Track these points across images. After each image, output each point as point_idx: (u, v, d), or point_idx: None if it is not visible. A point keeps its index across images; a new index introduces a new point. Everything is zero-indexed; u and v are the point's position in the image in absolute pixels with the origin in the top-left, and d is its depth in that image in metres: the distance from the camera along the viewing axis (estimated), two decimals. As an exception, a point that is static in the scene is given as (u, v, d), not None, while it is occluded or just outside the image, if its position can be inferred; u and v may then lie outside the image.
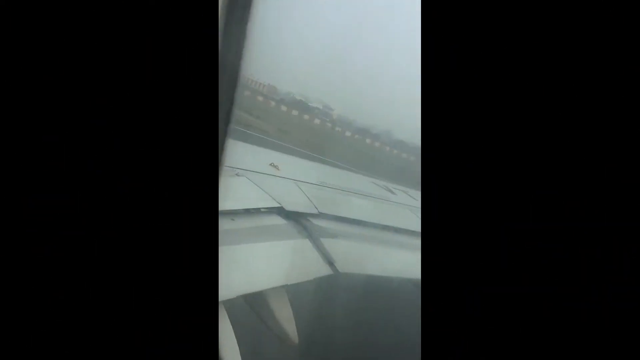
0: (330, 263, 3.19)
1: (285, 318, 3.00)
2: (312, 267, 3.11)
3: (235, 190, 3.43)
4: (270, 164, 4.38)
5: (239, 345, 2.28)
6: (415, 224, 4.76)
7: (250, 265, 2.83)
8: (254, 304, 2.97)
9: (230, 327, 2.28)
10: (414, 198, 5.91)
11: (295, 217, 3.53)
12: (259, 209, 3.37)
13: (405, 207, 5.28)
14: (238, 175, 3.69)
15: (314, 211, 3.79)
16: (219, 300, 2.03)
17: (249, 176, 3.72)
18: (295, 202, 3.79)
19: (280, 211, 3.49)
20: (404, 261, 4.04)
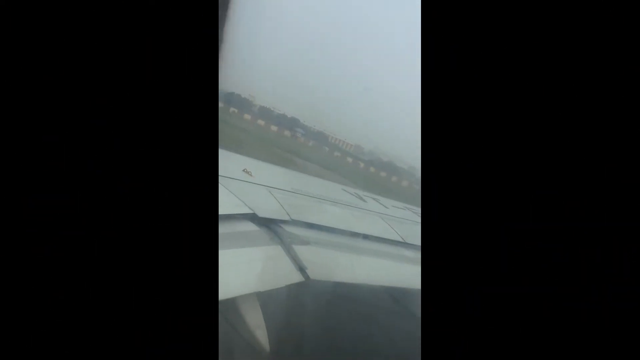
0: (302, 270, 3.17)
1: (257, 325, 2.97)
2: (283, 274, 3.09)
3: None
4: (243, 170, 4.34)
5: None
6: (386, 231, 4.79)
7: (222, 271, 2.77)
8: (226, 310, 2.92)
9: None
10: (384, 206, 5.96)
11: (267, 224, 3.50)
12: (232, 215, 3.33)
13: (375, 215, 5.31)
14: None
15: (286, 218, 3.77)
16: None
17: (222, 182, 3.67)
18: (268, 208, 3.76)
19: (252, 217, 3.46)
20: (375, 268, 4.06)
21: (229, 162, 4.49)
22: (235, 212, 3.38)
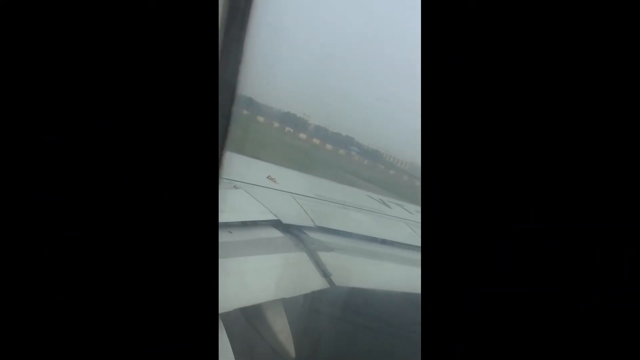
0: (326, 276, 3.18)
1: (282, 331, 3.00)
2: (308, 280, 3.11)
3: (233, 203, 3.43)
4: (267, 177, 4.39)
5: (235, 358, 2.27)
6: (411, 237, 4.77)
7: (247, 278, 2.82)
8: (251, 316, 2.95)
9: (227, 339, 2.26)
10: (409, 211, 5.93)
11: (291, 230, 3.53)
12: (256, 221, 3.37)
13: (400, 221, 5.29)
14: (236, 188, 3.69)
15: (311, 224, 3.79)
16: None
17: (246, 188, 3.73)
18: (292, 214, 3.79)
19: (277, 224, 3.50)
20: (400, 275, 4.04)
21: (252, 169, 4.55)
22: (259, 219, 3.43)
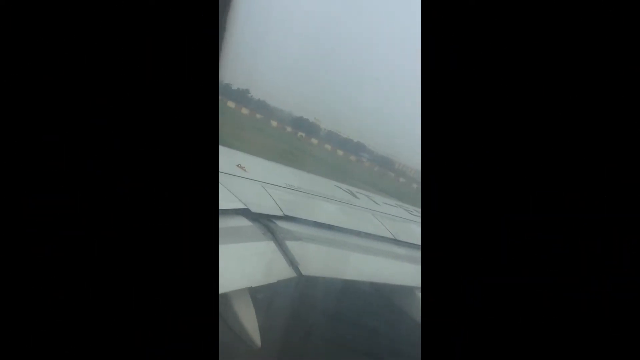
0: (294, 265, 3.19)
1: (248, 320, 2.99)
2: (276, 269, 3.11)
3: None
4: (237, 165, 4.35)
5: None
6: (378, 228, 4.82)
7: None
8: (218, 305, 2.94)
9: None
10: (376, 202, 5.98)
11: (260, 219, 3.52)
12: (225, 210, 3.34)
13: (367, 211, 5.34)
14: None
15: (280, 213, 3.79)
16: None
17: None
18: (261, 204, 3.78)
19: (246, 213, 3.47)
20: (366, 265, 4.09)
21: (223, 158, 4.49)
22: (228, 207, 3.40)
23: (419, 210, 6.75)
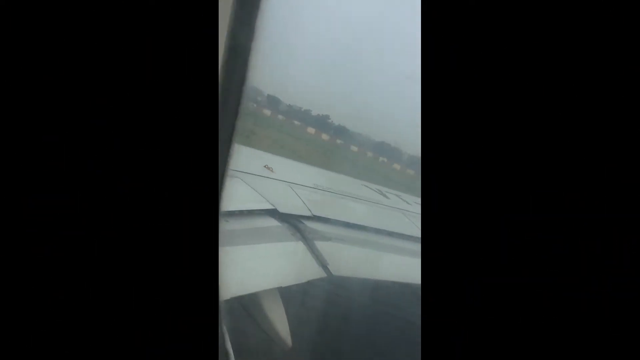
0: (324, 266, 3.18)
1: (279, 320, 3.00)
2: (305, 270, 3.11)
3: (229, 192, 3.40)
4: (265, 166, 4.37)
5: (232, 348, 2.26)
6: (409, 227, 4.77)
7: (244, 267, 2.81)
8: (248, 305, 2.95)
9: (225, 328, 2.25)
10: (406, 202, 5.92)
11: (289, 220, 3.52)
12: (253, 210, 3.36)
13: (398, 211, 5.29)
14: (232, 177, 3.66)
15: (308, 214, 3.78)
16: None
17: (243, 178, 3.71)
18: (289, 204, 3.78)
19: (274, 213, 3.48)
20: (398, 264, 4.05)
21: (249, 159, 4.52)
22: (256, 208, 3.41)
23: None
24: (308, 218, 3.72)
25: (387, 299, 4.90)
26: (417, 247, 4.41)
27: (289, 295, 3.18)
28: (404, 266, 4.10)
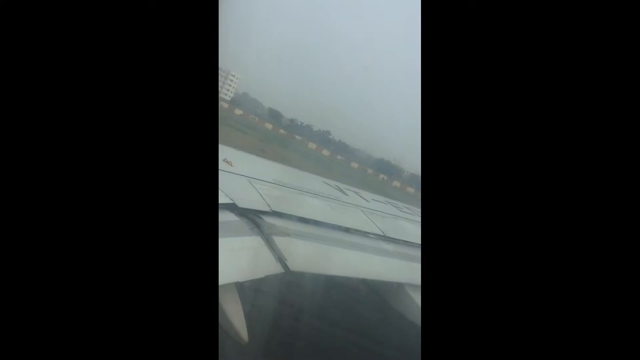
0: (281, 261, 3.17)
1: (236, 315, 2.97)
2: (263, 265, 3.09)
3: None
4: (224, 160, 4.32)
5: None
6: (367, 224, 4.82)
7: None
8: None
9: None
10: (365, 199, 5.98)
11: (247, 214, 3.49)
12: None
13: (357, 208, 5.33)
14: None
15: (267, 209, 3.76)
16: None
17: None
18: (248, 199, 3.75)
19: (232, 207, 3.45)
20: (355, 260, 4.08)
21: None
22: None
23: (409, 207, 6.77)
24: (266, 213, 3.70)
25: (343, 294, 4.95)
26: (374, 244, 4.47)
27: (246, 290, 3.17)
28: (361, 262, 4.13)
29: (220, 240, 3.03)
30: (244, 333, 2.99)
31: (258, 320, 3.61)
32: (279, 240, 3.35)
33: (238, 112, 60.58)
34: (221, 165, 4.19)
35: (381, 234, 4.70)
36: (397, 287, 4.03)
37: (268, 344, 3.98)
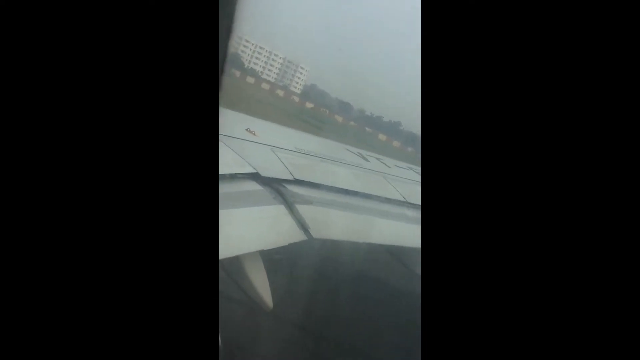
0: (304, 229, 3.20)
1: (260, 282, 3.03)
2: (286, 233, 3.13)
3: None
4: (247, 129, 4.33)
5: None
6: (388, 191, 4.82)
7: (226, 230, 2.82)
8: (229, 268, 2.98)
9: None
10: (387, 165, 5.96)
11: (270, 183, 3.52)
12: (235, 174, 3.35)
13: (378, 174, 5.32)
14: None
15: (290, 177, 3.78)
16: None
17: (225, 141, 3.67)
18: (271, 168, 3.77)
19: (255, 177, 3.48)
20: (379, 227, 4.10)
21: (232, 122, 4.47)
22: (238, 172, 3.40)
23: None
24: (290, 182, 3.72)
25: (365, 261, 4.98)
26: (396, 210, 4.47)
27: (270, 257, 3.21)
28: (384, 229, 4.15)
29: (243, 209, 3.08)
30: (268, 299, 3.06)
31: (283, 288, 3.67)
32: (302, 209, 3.38)
33: (309, 105, 60.46)
34: (244, 135, 4.21)
35: (403, 199, 4.69)
36: (419, 253, 4.05)
37: (293, 311, 4.06)
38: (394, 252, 4.49)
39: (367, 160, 5.80)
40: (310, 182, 3.93)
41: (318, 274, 4.80)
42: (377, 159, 6.15)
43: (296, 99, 61.82)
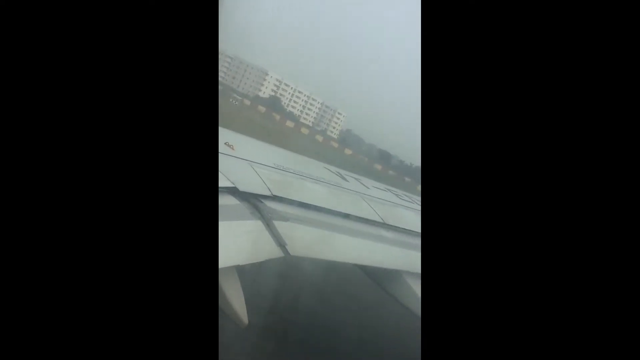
0: (282, 245, 3.18)
1: (235, 298, 2.99)
2: (263, 249, 3.10)
3: None
4: (225, 143, 4.30)
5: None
6: (366, 211, 4.82)
7: None
8: None
9: None
10: (365, 186, 5.98)
11: (248, 198, 3.49)
12: None
13: (357, 194, 5.34)
14: None
15: (268, 193, 3.77)
16: None
17: None
18: (249, 183, 3.75)
19: (233, 191, 3.45)
20: (353, 247, 4.10)
21: None
22: None
23: (408, 194, 6.77)
24: (267, 197, 3.71)
25: (342, 280, 4.97)
26: (373, 231, 4.48)
27: (247, 273, 3.18)
28: (360, 249, 4.15)
29: (221, 223, 3.05)
30: (244, 316, 3.01)
31: (258, 303, 3.64)
32: (279, 225, 3.36)
33: (348, 152, 60.68)
34: (223, 148, 4.18)
35: (381, 220, 4.71)
36: (395, 275, 4.05)
37: (268, 327, 4.00)
38: (370, 272, 4.48)
39: (345, 179, 5.81)
40: (288, 198, 3.92)
41: (294, 290, 4.76)
42: (356, 179, 6.16)
43: (335, 144, 62.10)
